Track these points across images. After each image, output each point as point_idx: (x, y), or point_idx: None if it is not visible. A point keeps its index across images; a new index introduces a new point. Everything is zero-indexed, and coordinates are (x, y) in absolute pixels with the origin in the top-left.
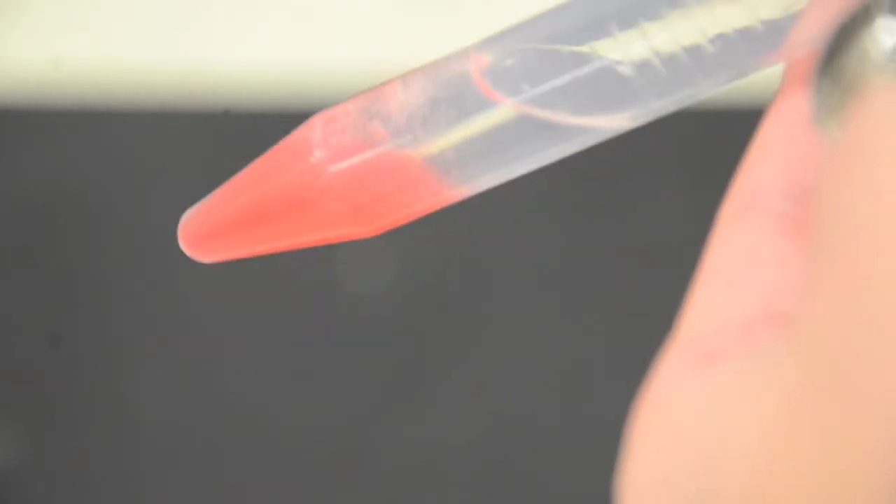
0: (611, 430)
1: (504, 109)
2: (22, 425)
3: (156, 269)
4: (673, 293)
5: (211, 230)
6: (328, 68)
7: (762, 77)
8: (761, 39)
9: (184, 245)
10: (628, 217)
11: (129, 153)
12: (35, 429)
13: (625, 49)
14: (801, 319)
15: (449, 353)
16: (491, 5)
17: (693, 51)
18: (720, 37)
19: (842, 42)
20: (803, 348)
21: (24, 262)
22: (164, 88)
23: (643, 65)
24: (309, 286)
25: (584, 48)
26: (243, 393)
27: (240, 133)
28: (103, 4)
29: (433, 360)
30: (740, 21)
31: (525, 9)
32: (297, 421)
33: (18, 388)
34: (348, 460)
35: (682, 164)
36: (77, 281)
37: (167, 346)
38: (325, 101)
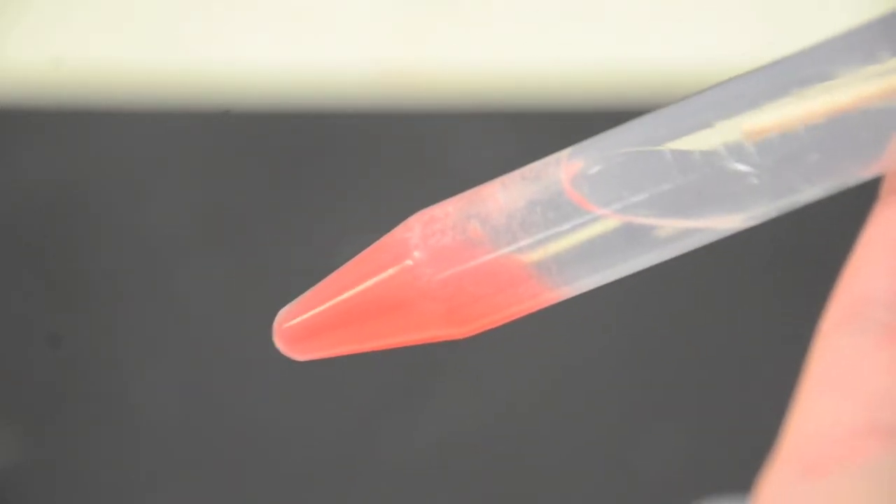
0: (611, 430)
1: (603, 217)
2: (22, 425)
3: (156, 269)
4: (673, 293)
5: (308, 330)
6: (328, 68)
7: None
8: (862, 147)
9: (280, 344)
10: None
11: (129, 153)
12: (35, 429)
13: (725, 154)
14: None
15: (449, 353)
16: (491, 5)
17: (793, 158)
18: (821, 144)
19: None
20: None
21: (24, 262)
22: (164, 88)
23: (743, 170)
24: (310, 285)
25: (684, 149)
26: (243, 392)
27: (240, 133)
28: (103, 4)
29: (433, 359)
30: (839, 127)
31: (525, 9)
32: (296, 420)
33: (18, 388)
34: (348, 460)
35: None
36: (77, 281)
37: (167, 346)
38: (325, 101)
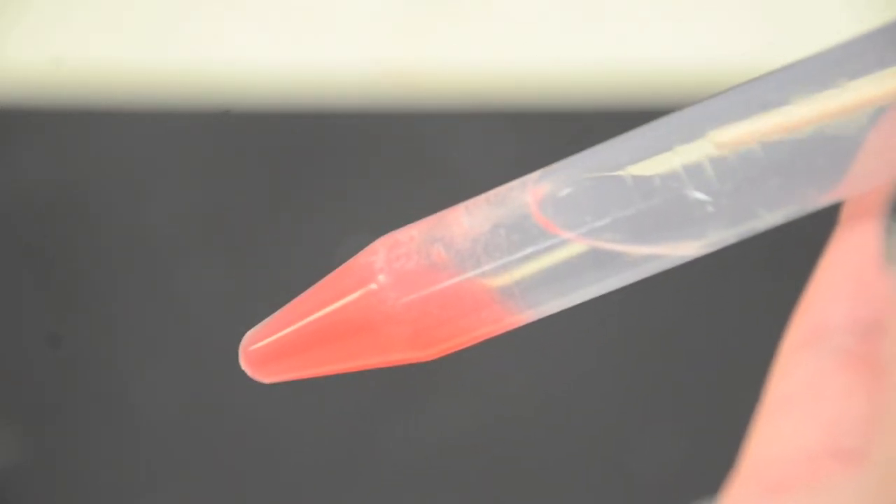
0: (609, 432)
1: (568, 241)
2: (22, 425)
3: (156, 269)
4: (671, 294)
5: (273, 353)
6: (328, 68)
7: None
8: (822, 174)
9: (245, 366)
10: None
11: (129, 153)
12: (35, 429)
13: (687, 178)
14: (870, 459)
15: (446, 356)
16: (491, 5)
17: (753, 183)
18: (781, 169)
19: None
20: (871, 489)
21: (24, 262)
22: (164, 88)
23: (705, 196)
24: (310, 285)
25: (645, 174)
26: (243, 393)
27: (240, 133)
28: (103, 4)
29: (431, 362)
30: (798, 153)
31: (525, 9)
32: (296, 421)
33: (18, 388)
34: (348, 459)
35: None
36: (77, 281)
37: (167, 346)
38: (325, 101)
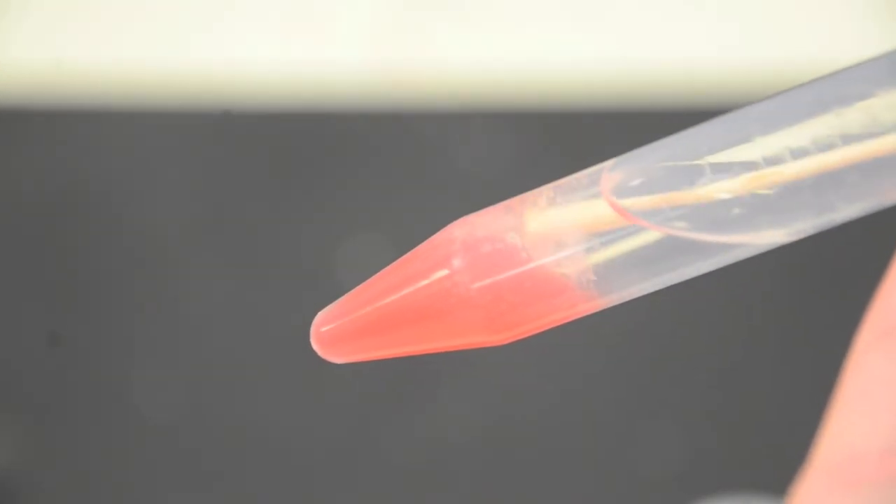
0: (612, 430)
1: (643, 229)
2: (22, 425)
3: (156, 269)
4: (674, 293)
5: (345, 335)
6: (328, 68)
7: None
8: None
9: (317, 347)
10: None
11: (129, 153)
12: (35, 429)
13: (764, 168)
14: None
15: (450, 353)
16: (491, 5)
17: (832, 176)
18: (859, 165)
19: None
20: None
21: (24, 262)
22: (164, 88)
23: (784, 185)
24: (310, 285)
25: (723, 162)
26: (244, 393)
27: (240, 133)
28: (104, 4)
29: (434, 359)
30: (879, 147)
31: (525, 9)
32: (296, 420)
33: (18, 388)
34: (349, 460)
35: None
36: (77, 281)
37: (167, 346)
38: (325, 101)
